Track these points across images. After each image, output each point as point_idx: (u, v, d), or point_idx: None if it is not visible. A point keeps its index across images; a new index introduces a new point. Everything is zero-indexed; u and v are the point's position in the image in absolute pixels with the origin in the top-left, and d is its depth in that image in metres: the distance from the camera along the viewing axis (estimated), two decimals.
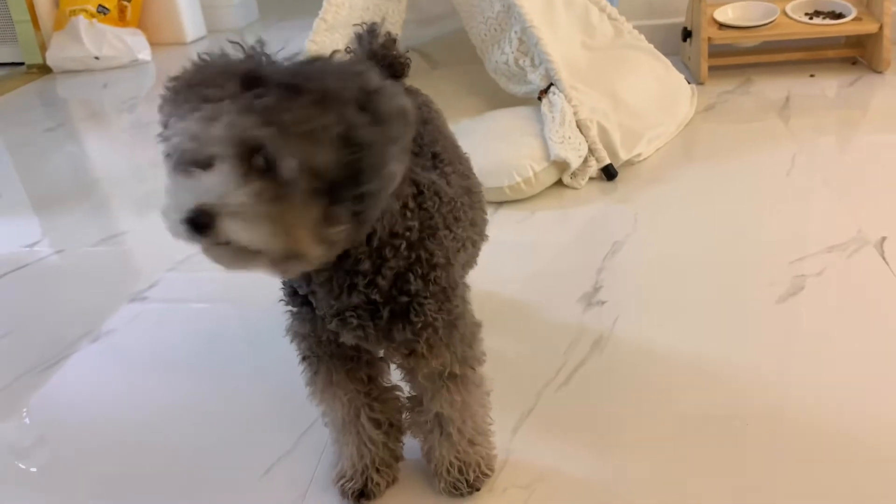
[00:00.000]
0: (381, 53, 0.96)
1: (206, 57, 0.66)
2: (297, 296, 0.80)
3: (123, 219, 1.84)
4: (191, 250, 1.59)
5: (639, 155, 1.75)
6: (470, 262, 0.93)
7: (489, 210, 1.65)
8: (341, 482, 0.92)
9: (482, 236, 0.98)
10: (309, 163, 0.61)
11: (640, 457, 0.95)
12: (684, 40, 2.26)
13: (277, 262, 0.65)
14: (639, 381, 1.09)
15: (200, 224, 0.61)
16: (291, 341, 0.85)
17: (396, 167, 0.66)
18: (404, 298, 0.76)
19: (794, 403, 1.02)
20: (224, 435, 1.08)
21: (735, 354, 1.12)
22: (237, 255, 0.64)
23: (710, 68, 2.17)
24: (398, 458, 0.94)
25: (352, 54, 0.93)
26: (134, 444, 1.08)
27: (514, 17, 1.73)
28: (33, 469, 1.06)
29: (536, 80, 1.73)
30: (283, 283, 0.81)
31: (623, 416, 1.02)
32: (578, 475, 0.93)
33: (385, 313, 0.76)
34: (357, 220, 0.66)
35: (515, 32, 1.74)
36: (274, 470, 0.99)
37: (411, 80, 1.03)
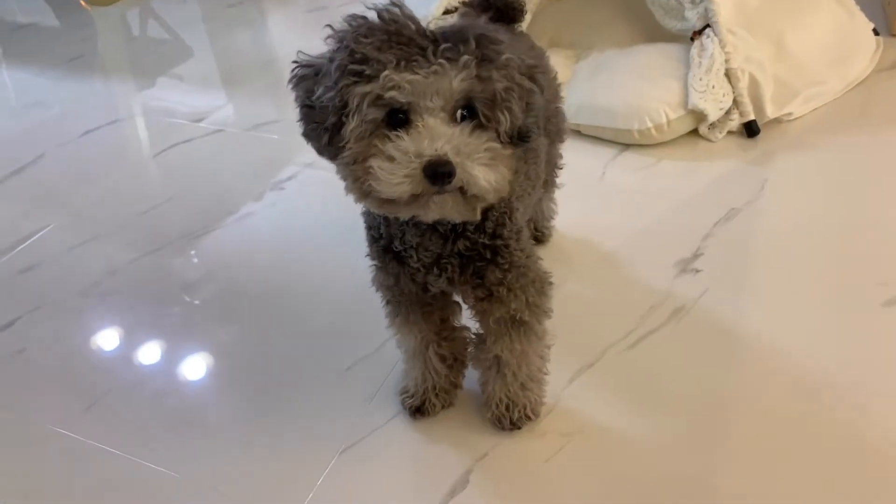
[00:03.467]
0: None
1: (395, 12, 0.70)
2: (389, 252, 0.86)
3: (283, 105, 2.00)
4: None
5: (790, 114, 1.63)
6: (526, 211, 0.97)
7: (614, 150, 1.62)
8: (403, 397, 1.05)
9: (535, 189, 1.01)
10: (512, 119, 0.71)
11: (687, 432, 0.99)
12: None
13: (484, 204, 0.73)
14: (707, 360, 1.10)
15: (444, 172, 0.67)
16: (377, 290, 0.94)
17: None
18: (499, 241, 0.84)
19: (872, 412, 0.99)
20: (327, 323, 1.23)
21: (819, 354, 1.08)
22: (458, 202, 0.71)
23: None
24: (457, 386, 1.05)
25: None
26: (252, 317, 1.27)
27: None
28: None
29: (693, 19, 1.63)
30: (376, 241, 0.87)
31: (680, 392, 1.05)
32: (616, 436, 0.99)
33: (487, 254, 0.84)
34: None
35: None
36: (356, 368, 1.14)
37: None
